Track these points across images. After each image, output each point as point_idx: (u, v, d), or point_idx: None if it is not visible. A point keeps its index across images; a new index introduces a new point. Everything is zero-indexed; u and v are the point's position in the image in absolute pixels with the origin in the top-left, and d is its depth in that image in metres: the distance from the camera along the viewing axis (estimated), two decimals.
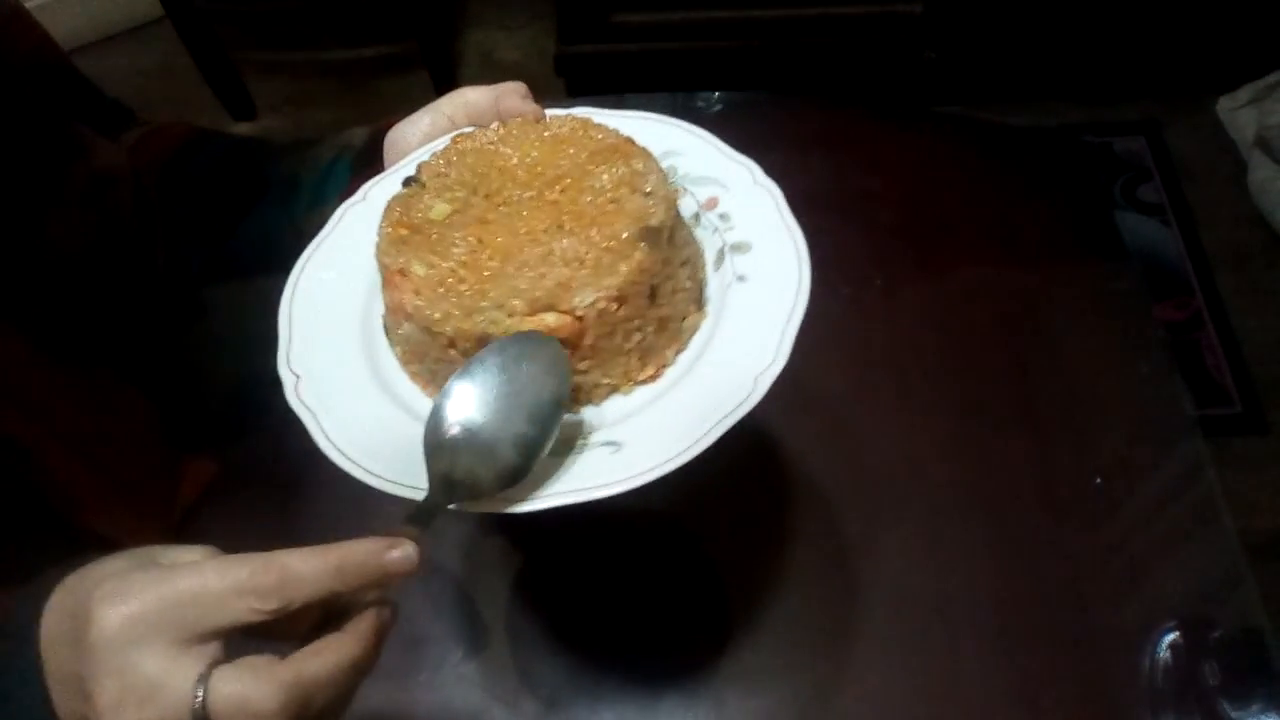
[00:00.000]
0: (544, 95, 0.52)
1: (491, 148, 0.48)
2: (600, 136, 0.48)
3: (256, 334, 0.47)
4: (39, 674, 0.34)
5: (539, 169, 0.46)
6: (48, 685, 0.34)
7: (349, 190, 0.54)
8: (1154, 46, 1.69)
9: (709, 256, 0.47)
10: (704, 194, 0.49)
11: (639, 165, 0.45)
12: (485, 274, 0.42)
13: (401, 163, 0.52)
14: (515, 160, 0.47)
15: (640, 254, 0.41)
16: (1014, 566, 0.67)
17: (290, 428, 0.42)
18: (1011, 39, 1.68)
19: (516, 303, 0.40)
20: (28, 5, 0.57)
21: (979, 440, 0.72)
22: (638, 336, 0.42)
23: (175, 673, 0.31)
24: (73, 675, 0.33)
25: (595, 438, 0.41)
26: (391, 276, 0.43)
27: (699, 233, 0.48)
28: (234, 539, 0.38)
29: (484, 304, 0.41)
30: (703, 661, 0.64)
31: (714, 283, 0.46)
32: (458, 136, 0.50)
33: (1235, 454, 1.45)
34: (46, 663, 0.34)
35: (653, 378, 0.43)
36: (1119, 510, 0.69)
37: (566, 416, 0.42)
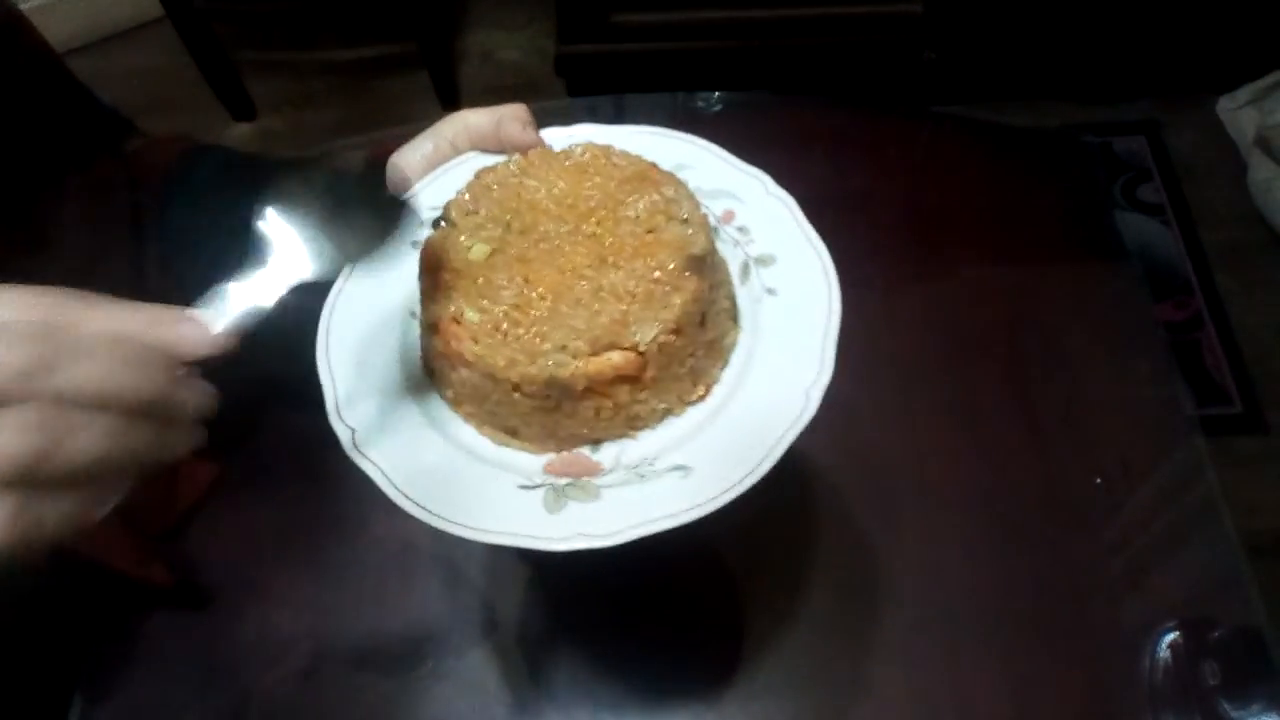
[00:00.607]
0: (544, 95, 0.52)
1: (515, 180, 0.48)
2: (623, 164, 0.47)
3: (256, 337, 0.46)
4: None
5: (569, 201, 0.46)
6: None
7: None
8: (1154, 46, 1.69)
9: (734, 270, 0.47)
10: (719, 207, 0.49)
11: (670, 192, 0.45)
12: (539, 315, 0.42)
13: (409, 192, 0.51)
14: (542, 193, 0.47)
15: (692, 283, 0.42)
16: (1014, 566, 0.67)
17: (289, 431, 0.42)
18: (1011, 39, 1.68)
19: (579, 343, 0.41)
20: (27, 5, 0.57)
21: (979, 440, 0.72)
22: (691, 361, 0.43)
23: None
24: None
25: (661, 463, 0.41)
26: (445, 325, 0.43)
27: (720, 246, 0.48)
28: (234, 542, 0.39)
29: (546, 346, 0.41)
30: (703, 662, 0.64)
31: (743, 297, 0.46)
32: (481, 171, 0.49)
33: (1235, 454, 1.45)
34: None
35: (703, 397, 0.44)
36: (1119, 510, 0.69)
37: (622, 446, 0.43)
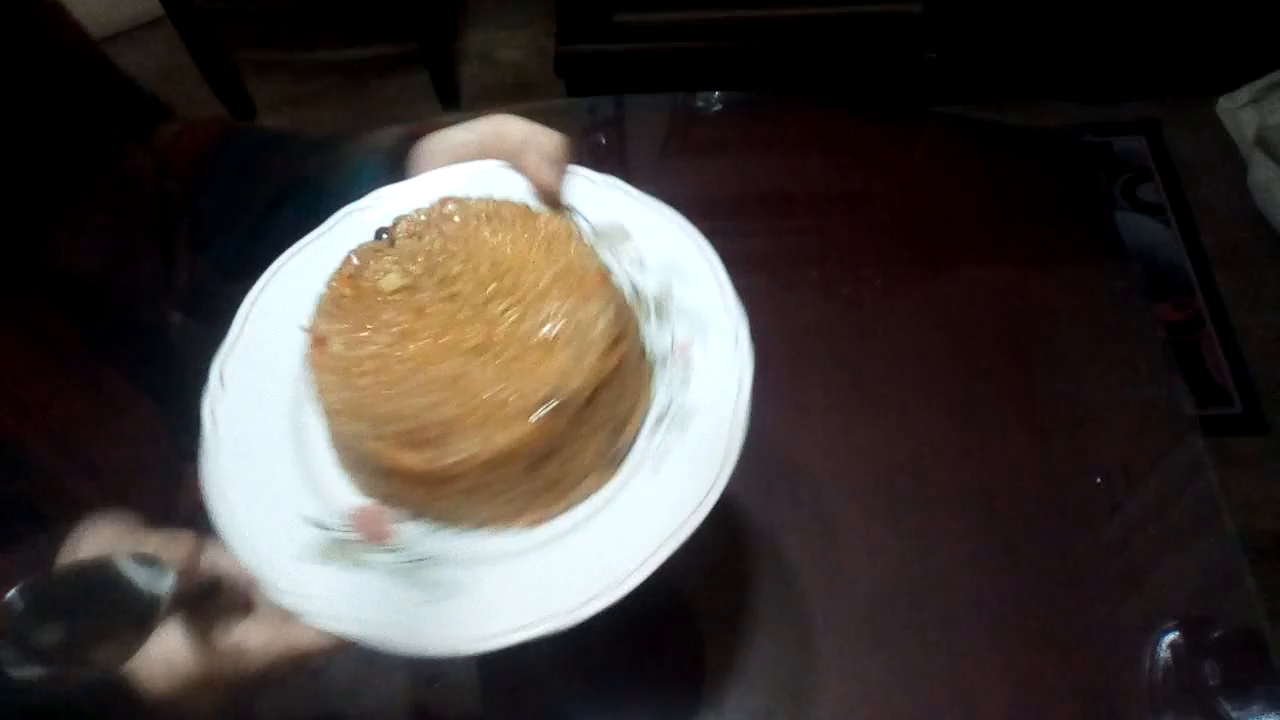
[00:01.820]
0: (544, 95, 0.52)
1: (476, 223, 0.45)
2: (576, 256, 0.43)
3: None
4: None
5: (502, 270, 0.43)
6: None
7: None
8: (1154, 46, 1.69)
9: (654, 410, 0.43)
10: (684, 333, 0.45)
11: (592, 310, 0.41)
12: (388, 379, 0.40)
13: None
14: (489, 249, 0.44)
15: (526, 429, 0.38)
16: (1014, 566, 0.67)
17: None
18: (1011, 39, 1.68)
19: (395, 427, 0.39)
20: None
21: (979, 440, 0.72)
22: (511, 495, 0.40)
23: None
24: None
25: (435, 573, 0.40)
26: (311, 343, 0.42)
27: (660, 375, 0.44)
28: None
29: (370, 413, 0.39)
30: (702, 662, 0.64)
31: (642, 443, 0.43)
32: (447, 199, 0.47)
33: (1235, 454, 1.45)
34: None
35: (529, 525, 0.41)
36: (1119, 510, 0.69)
37: (430, 530, 0.41)
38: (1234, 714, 0.60)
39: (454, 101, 1.86)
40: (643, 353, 0.45)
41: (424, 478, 0.39)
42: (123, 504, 0.43)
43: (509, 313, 0.41)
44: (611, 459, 0.42)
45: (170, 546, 0.39)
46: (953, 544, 0.68)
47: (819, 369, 0.75)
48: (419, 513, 0.42)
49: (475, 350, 0.40)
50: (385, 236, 0.45)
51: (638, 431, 0.43)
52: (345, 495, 0.43)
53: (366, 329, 0.41)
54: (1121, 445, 0.72)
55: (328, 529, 0.41)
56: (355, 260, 0.44)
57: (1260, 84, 1.71)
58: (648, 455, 0.42)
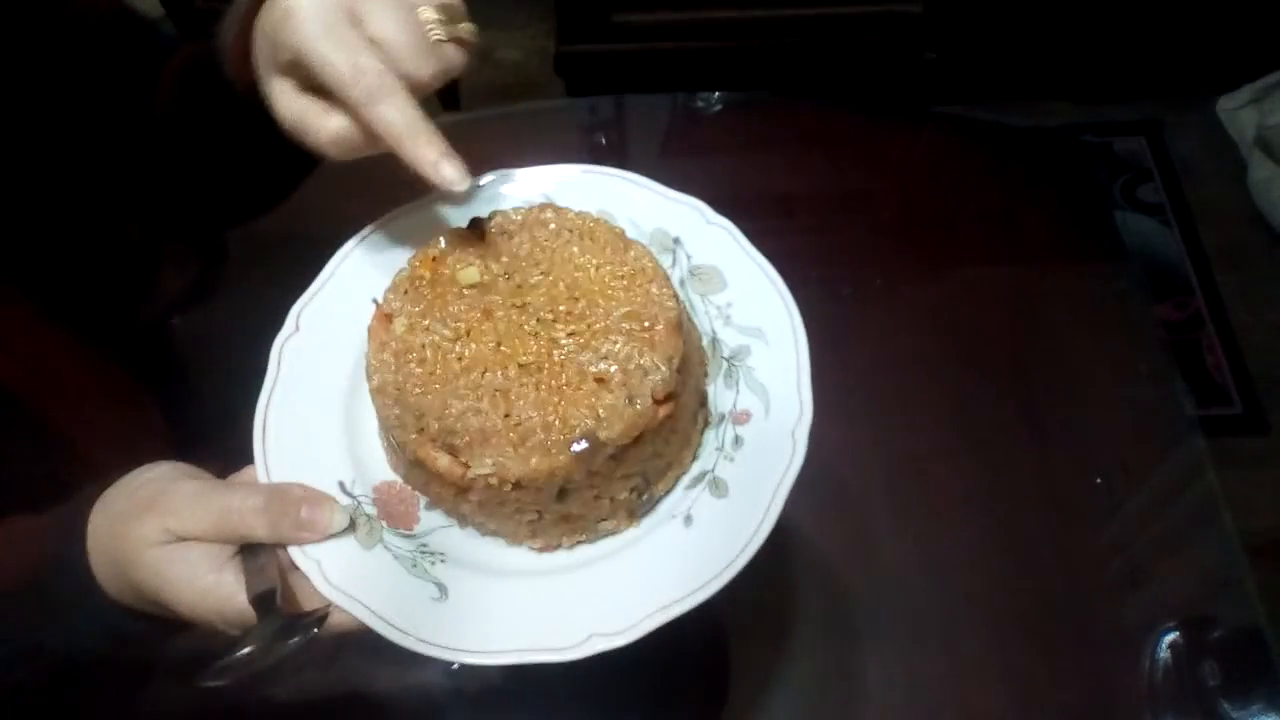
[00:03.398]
0: (544, 95, 0.51)
1: (567, 235, 0.44)
2: (656, 300, 0.42)
3: (242, 343, 0.47)
4: (94, 587, 0.40)
5: (579, 293, 0.42)
6: (108, 591, 0.40)
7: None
8: (1154, 46, 1.69)
9: (693, 470, 0.43)
10: (745, 403, 0.43)
11: (650, 360, 0.40)
12: (440, 372, 0.40)
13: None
14: (569, 269, 0.43)
15: (559, 460, 0.38)
16: (1014, 567, 0.67)
17: None
18: (1011, 39, 1.67)
19: (433, 424, 0.39)
20: None
21: (979, 440, 0.72)
22: (531, 518, 0.40)
23: (226, 577, 0.38)
24: (117, 573, 0.40)
25: (439, 570, 0.40)
26: (378, 314, 0.42)
27: (708, 439, 0.43)
28: None
29: (412, 401, 0.39)
30: (704, 661, 0.64)
31: (673, 500, 0.42)
32: (551, 205, 0.45)
33: (1235, 454, 1.44)
34: (100, 572, 0.40)
35: (538, 550, 0.41)
36: (1119, 510, 0.69)
37: (447, 524, 0.42)
38: (1234, 714, 0.60)
39: (453, 101, 1.87)
40: (701, 408, 0.44)
41: (449, 480, 0.39)
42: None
43: (571, 338, 0.41)
44: (637, 509, 0.42)
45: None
46: (953, 544, 0.68)
47: (818, 369, 0.75)
48: (439, 506, 0.42)
49: (529, 367, 0.40)
50: (478, 227, 0.45)
51: (669, 490, 0.42)
52: (379, 469, 0.43)
53: (434, 317, 0.41)
54: (1121, 445, 0.72)
55: (355, 499, 0.41)
56: (442, 244, 0.44)
57: (1260, 84, 1.71)
58: (677, 512, 0.41)
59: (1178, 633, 0.63)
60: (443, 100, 1.83)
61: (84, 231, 0.57)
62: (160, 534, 0.38)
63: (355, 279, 0.46)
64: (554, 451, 0.38)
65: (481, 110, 1.85)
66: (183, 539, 0.39)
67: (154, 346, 0.65)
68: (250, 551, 0.39)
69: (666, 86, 0.96)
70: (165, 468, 0.42)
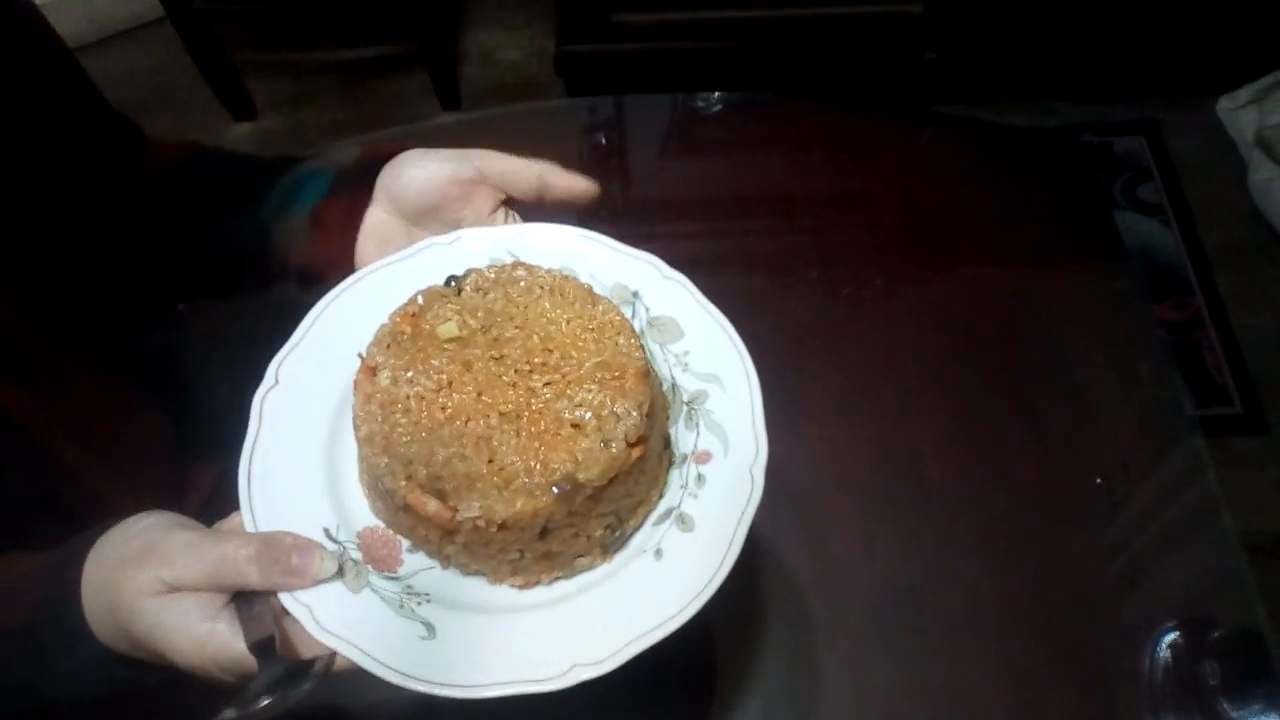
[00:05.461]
0: (544, 95, 0.51)
1: (541, 292, 0.47)
2: (623, 350, 0.45)
3: (239, 342, 0.48)
4: (86, 637, 0.41)
5: (552, 346, 0.45)
6: (104, 640, 0.41)
7: (330, 201, 0.53)
8: (1154, 46, 1.69)
9: (659, 508, 0.45)
10: (705, 443, 0.46)
11: (622, 408, 0.42)
12: (424, 421, 0.42)
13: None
14: (543, 321, 0.46)
15: (541, 502, 0.40)
16: (1014, 567, 0.67)
17: None
18: (1011, 39, 1.67)
19: (421, 471, 0.41)
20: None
21: (979, 440, 0.72)
22: (514, 556, 0.42)
23: (220, 626, 0.39)
24: (111, 621, 0.41)
25: (425, 610, 0.41)
26: (363, 368, 0.44)
27: (673, 477, 0.46)
28: None
29: (398, 450, 0.41)
30: (702, 661, 0.64)
31: (642, 536, 0.45)
32: (522, 265, 0.48)
33: (1235, 454, 1.45)
34: (89, 612, 0.41)
35: (520, 587, 0.43)
36: (1119, 510, 0.69)
37: (431, 565, 0.43)
38: (1234, 714, 0.61)
39: (454, 101, 1.86)
40: (666, 449, 0.46)
41: (436, 524, 0.41)
42: (133, 498, 0.44)
43: (548, 388, 0.44)
44: (610, 544, 0.44)
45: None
46: (953, 544, 0.68)
47: (819, 369, 0.75)
48: (424, 549, 0.43)
49: (509, 415, 0.43)
50: (454, 284, 0.47)
51: (640, 525, 0.45)
52: (361, 515, 0.44)
53: (416, 369, 0.44)
54: (1121, 445, 0.72)
55: (340, 544, 0.43)
56: (420, 301, 0.47)
57: (1260, 84, 1.71)
58: (647, 547, 0.44)
59: (1178, 633, 0.63)
60: (443, 100, 1.83)
61: (80, 244, 0.57)
62: (155, 584, 0.39)
63: (331, 333, 0.48)
64: (537, 494, 0.40)
65: (481, 110, 1.85)
66: (176, 589, 0.40)
67: (155, 361, 0.65)
68: (244, 600, 0.40)
69: (666, 86, 0.96)
70: (158, 517, 0.43)
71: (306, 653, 0.40)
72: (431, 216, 0.53)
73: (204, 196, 0.61)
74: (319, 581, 0.41)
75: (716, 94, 0.94)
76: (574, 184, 0.51)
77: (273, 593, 0.40)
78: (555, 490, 0.40)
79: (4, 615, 0.44)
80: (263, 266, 0.58)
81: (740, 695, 0.62)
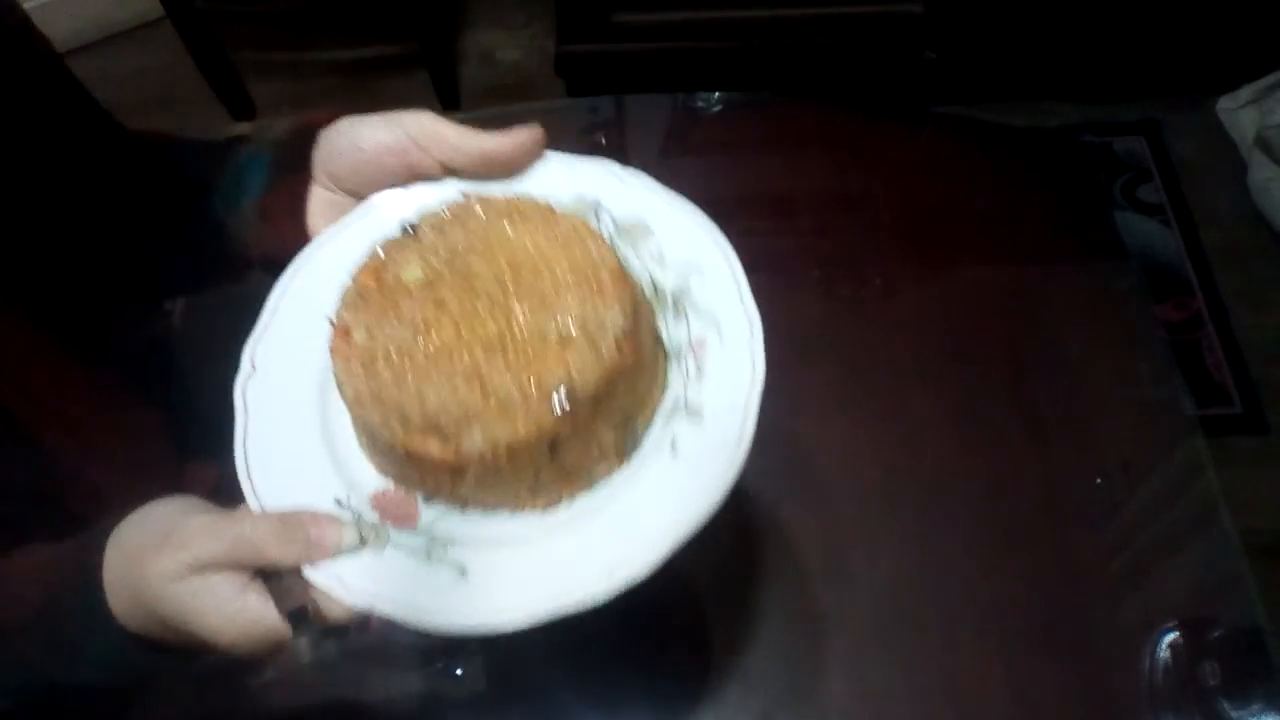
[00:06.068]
0: (544, 95, 0.51)
1: (498, 218, 0.46)
2: (595, 256, 0.44)
3: (228, 336, 0.48)
4: (109, 613, 0.41)
5: (522, 268, 0.44)
6: (120, 621, 0.42)
7: (273, 188, 0.52)
8: (1154, 46, 1.69)
9: (666, 402, 0.45)
10: (699, 330, 0.46)
11: (605, 313, 0.42)
12: (411, 366, 0.41)
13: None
14: (508, 244, 0.45)
15: (544, 418, 0.40)
16: (1014, 566, 0.67)
17: None
18: (1011, 39, 1.67)
19: (415, 416, 0.40)
20: (29, 4, 0.57)
21: (979, 440, 0.72)
22: (529, 479, 0.42)
23: (251, 599, 0.40)
24: (138, 607, 0.41)
25: (453, 553, 0.41)
26: (336, 334, 0.43)
27: (673, 369, 0.46)
28: None
29: (389, 402, 0.40)
30: (702, 661, 0.64)
31: (655, 433, 0.44)
32: (474, 194, 0.48)
33: (1235, 454, 1.44)
34: (112, 599, 0.41)
35: (542, 509, 0.43)
36: (1119, 510, 0.69)
37: (449, 511, 0.43)
38: (1234, 714, 0.61)
39: (454, 101, 1.86)
40: (658, 345, 0.46)
41: (443, 464, 0.40)
42: (136, 496, 0.44)
43: (527, 308, 0.43)
44: (624, 448, 0.43)
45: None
46: (953, 544, 0.68)
47: (819, 369, 0.75)
48: (438, 496, 0.43)
49: (492, 344, 0.42)
50: (410, 231, 0.46)
51: (649, 423, 0.44)
52: (369, 479, 0.44)
53: (389, 320, 0.43)
54: (1121, 445, 0.72)
55: (354, 510, 0.42)
56: (380, 254, 0.45)
57: (1260, 84, 1.71)
58: (661, 444, 0.43)
59: (1178, 633, 0.63)
60: (443, 100, 1.83)
61: (75, 243, 0.57)
62: (178, 567, 0.40)
63: (298, 308, 0.48)
64: (537, 413, 0.40)
65: (481, 110, 1.85)
66: (200, 570, 0.40)
67: (151, 357, 0.65)
68: (272, 576, 0.40)
69: (666, 86, 0.96)
70: (175, 502, 0.43)
71: (342, 617, 0.40)
72: (374, 188, 0.51)
73: (165, 191, 0.60)
74: (341, 552, 0.40)
75: (716, 94, 0.94)
76: (510, 140, 0.49)
77: (294, 568, 0.40)
78: (555, 405, 0.40)
79: (22, 604, 0.44)
80: (229, 261, 0.57)
81: (740, 694, 0.62)
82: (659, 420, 0.44)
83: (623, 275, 0.44)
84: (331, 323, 0.44)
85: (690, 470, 0.42)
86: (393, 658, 0.65)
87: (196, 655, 0.42)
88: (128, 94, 1.75)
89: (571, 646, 0.64)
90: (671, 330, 0.46)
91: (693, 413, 0.44)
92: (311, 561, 0.40)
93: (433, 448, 0.39)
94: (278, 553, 0.40)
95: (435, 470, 0.41)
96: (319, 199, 0.52)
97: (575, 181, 0.50)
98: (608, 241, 0.45)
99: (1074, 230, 0.85)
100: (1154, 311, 0.86)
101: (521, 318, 0.42)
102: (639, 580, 0.39)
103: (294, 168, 0.52)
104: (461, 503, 0.43)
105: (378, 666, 0.64)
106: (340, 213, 0.51)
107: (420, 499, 0.43)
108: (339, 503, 0.42)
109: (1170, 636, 0.63)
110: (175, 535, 0.40)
